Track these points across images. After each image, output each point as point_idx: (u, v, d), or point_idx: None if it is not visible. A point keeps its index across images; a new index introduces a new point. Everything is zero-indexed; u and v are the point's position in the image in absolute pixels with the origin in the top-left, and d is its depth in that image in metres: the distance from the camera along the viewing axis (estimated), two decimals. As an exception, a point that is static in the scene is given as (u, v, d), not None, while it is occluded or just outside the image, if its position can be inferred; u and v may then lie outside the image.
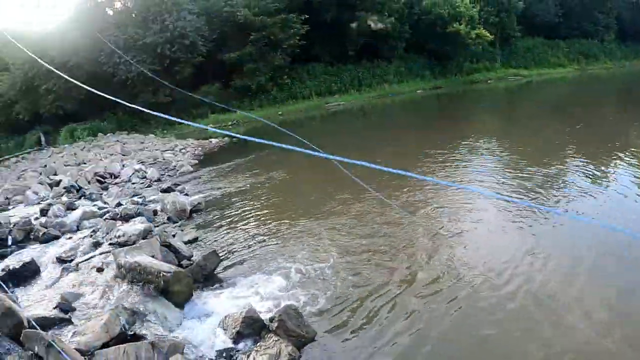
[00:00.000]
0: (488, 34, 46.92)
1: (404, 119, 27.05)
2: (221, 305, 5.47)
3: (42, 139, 41.98)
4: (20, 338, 4.12)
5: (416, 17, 47.71)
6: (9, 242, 8.57)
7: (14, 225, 9.14)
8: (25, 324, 4.41)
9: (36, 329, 4.27)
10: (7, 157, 35.68)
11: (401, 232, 7.34)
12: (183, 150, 21.79)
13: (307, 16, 41.78)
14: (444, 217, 7.80)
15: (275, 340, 4.32)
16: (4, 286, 6.10)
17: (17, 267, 6.63)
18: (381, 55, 47.46)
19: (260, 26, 40.39)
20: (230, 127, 35.09)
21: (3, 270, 6.58)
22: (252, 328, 4.65)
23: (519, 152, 12.94)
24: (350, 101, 39.41)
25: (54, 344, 3.93)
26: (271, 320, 4.63)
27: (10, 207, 13.35)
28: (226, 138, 25.74)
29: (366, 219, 8.12)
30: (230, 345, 4.60)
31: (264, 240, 7.67)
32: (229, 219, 9.31)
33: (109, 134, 36.01)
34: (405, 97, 39.80)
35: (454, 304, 5.14)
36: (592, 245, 6.30)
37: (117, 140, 29.56)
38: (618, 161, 10.80)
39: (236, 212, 9.79)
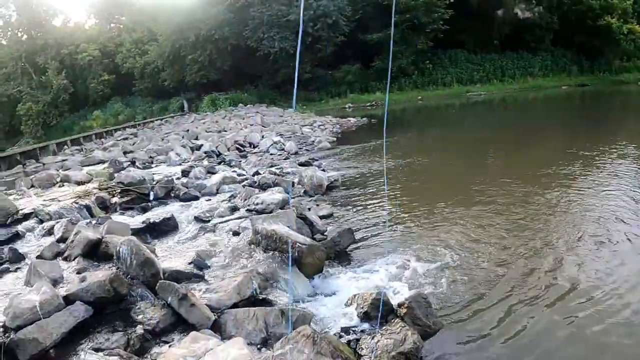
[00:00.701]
0: (642, 30, 42.84)
1: (548, 116, 25.47)
2: (350, 283, 5.43)
3: (185, 105, 44.61)
4: (156, 287, 4.37)
5: (566, 7, 44.72)
6: (151, 197, 9.17)
7: (156, 183, 9.74)
8: (161, 275, 4.67)
9: (171, 280, 4.48)
10: (152, 119, 38.13)
11: (544, 231, 6.83)
12: (322, 127, 22.14)
13: (452, 0, 40.48)
14: (591, 223, 7.06)
15: (402, 327, 4.20)
16: (145, 237, 6.53)
17: (157, 221, 7.05)
18: (526, 46, 45.21)
19: (404, 8, 39.80)
20: (368, 108, 35.01)
21: (144, 222, 7.03)
22: (379, 310, 4.58)
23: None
24: (492, 92, 37.77)
25: (187, 296, 4.12)
26: (400, 305, 4.51)
27: (153, 165, 14.30)
28: (364, 118, 25.72)
29: (508, 213, 7.67)
30: (356, 323, 4.55)
31: (399, 223, 7.53)
32: (365, 199, 9.27)
33: (249, 105, 37.27)
34: (548, 92, 37.57)
35: (595, 320, 4.56)
36: None
37: (257, 112, 30.58)
38: None
39: (372, 192, 9.74)
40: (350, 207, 8.76)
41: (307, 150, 16.23)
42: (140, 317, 4.17)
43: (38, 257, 5.71)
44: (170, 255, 5.98)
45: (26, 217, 7.77)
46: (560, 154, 12.55)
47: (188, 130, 23.73)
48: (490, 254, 6.15)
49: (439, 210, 8.09)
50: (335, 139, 19.03)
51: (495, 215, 7.62)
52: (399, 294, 5.11)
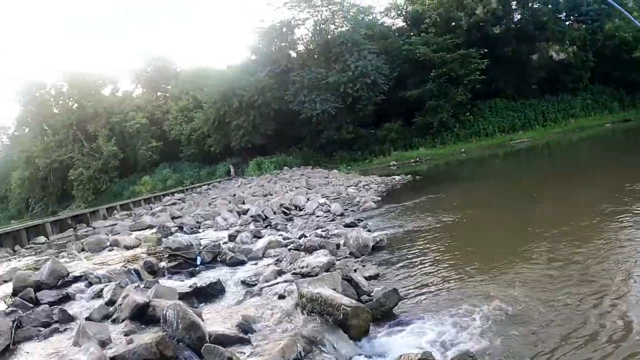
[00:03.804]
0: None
1: (595, 155, 24.93)
2: (397, 345, 5.32)
3: (232, 170, 45.57)
4: (201, 350, 4.44)
5: (599, 43, 44.65)
6: (198, 262, 9.31)
7: (203, 247, 9.92)
8: (207, 338, 4.72)
9: (216, 344, 4.55)
10: (199, 184, 39.02)
11: (611, 282, 6.34)
12: (366, 186, 22.24)
13: (486, 50, 40.92)
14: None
15: (449, 388, 4.15)
16: (192, 301, 6.61)
17: (204, 285, 7.15)
18: (565, 87, 45.08)
19: (440, 62, 40.49)
20: (412, 164, 35.00)
21: (191, 287, 7.13)
22: (427, 372, 4.51)
23: None
24: (535, 138, 37.23)
25: (232, 360, 4.17)
26: (447, 366, 4.46)
27: (200, 230, 14.58)
28: (409, 175, 25.71)
29: (569, 265, 7.23)
30: (403, 386, 4.49)
31: (444, 283, 7.37)
32: (411, 258, 9.15)
33: (294, 168, 37.81)
34: (592, 131, 36.76)
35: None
36: None
37: (302, 174, 30.92)
38: None
39: (418, 251, 9.61)
40: (395, 266, 8.68)
41: (352, 211, 16.22)
42: (186, 380, 4.22)
43: (87, 318, 5.89)
44: (217, 319, 6.02)
45: (76, 279, 8.07)
46: (616, 193, 12.10)
47: (235, 194, 24.17)
48: (545, 311, 5.83)
49: (490, 266, 7.85)
50: (380, 198, 18.98)
51: (555, 269, 7.25)
52: (446, 354, 5.02)
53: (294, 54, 47.51)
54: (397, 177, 25.45)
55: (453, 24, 47.09)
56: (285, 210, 16.76)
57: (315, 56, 46.03)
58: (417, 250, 9.65)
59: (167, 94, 65.64)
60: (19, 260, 13.10)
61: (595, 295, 6.00)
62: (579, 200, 12.72)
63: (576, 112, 43.13)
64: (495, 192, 17.24)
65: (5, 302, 7.07)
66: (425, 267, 8.39)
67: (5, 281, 8.89)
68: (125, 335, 5.10)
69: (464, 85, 41.49)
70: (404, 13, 51.62)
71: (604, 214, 10.14)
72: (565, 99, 44.62)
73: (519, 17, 47.17)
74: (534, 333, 5.29)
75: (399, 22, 52.98)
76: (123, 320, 5.61)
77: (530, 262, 7.74)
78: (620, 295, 5.90)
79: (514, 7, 46.92)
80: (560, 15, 46.48)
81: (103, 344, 4.83)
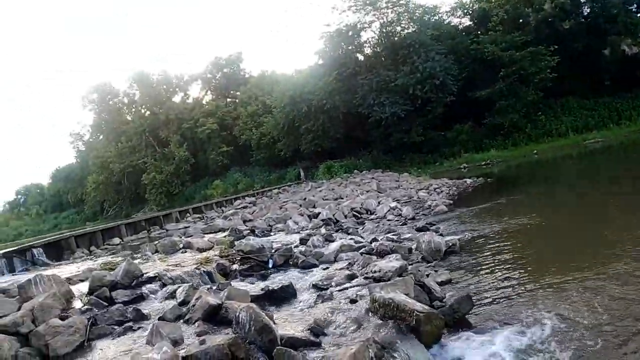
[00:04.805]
0: None
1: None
2: (469, 352, 5.25)
3: (302, 173, 46.01)
4: (272, 353, 4.51)
5: (674, 31, 41.89)
6: (270, 265, 9.47)
7: (275, 251, 10.06)
8: (278, 341, 4.78)
9: (287, 347, 4.61)
10: (270, 188, 39.54)
11: None
12: (437, 190, 21.99)
13: (556, 47, 39.52)
14: None
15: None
16: (263, 304, 6.69)
17: (275, 288, 7.21)
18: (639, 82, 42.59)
19: (509, 61, 39.45)
20: (484, 167, 34.30)
21: (263, 290, 7.22)
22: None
23: None
24: (609, 137, 35.66)
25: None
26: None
27: (272, 233, 14.72)
28: (480, 177, 25.21)
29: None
30: (476, 392, 4.40)
31: (520, 288, 7.16)
32: (484, 263, 8.94)
33: (364, 171, 37.76)
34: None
35: None
36: None
37: (373, 178, 30.88)
38: None
39: (491, 256, 9.38)
40: (468, 271, 8.50)
41: (424, 214, 16.03)
42: (257, 382, 4.27)
43: (160, 318, 6.06)
44: (288, 322, 6.06)
45: (150, 280, 8.31)
46: None
47: (305, 198, 24.35)
48: (623, 323, 5.54)
49: (565, 274, 7.56)
50: (451, 201, 18.66)
51: (625, 277, 6.89)
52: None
53: (361, 57, 47.49)
54: (468, 180, 25.01)
55: (521, 20, 45.99)
56: (357, 214, 16.74)
57: (383, 58, 45.82)
58: (490, 256, 9.42)
59: (237, 100, 67.23)
60: (95, 261, 13.58)
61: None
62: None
63: (654, 108, 40.82)
64: (570, 195, 16.66)
65: (81, 300, 7.35)
66: (498, 273, 8.17)
67: (82, 280, 9.28)
68: (198, 335, 5.23)
69: (534, 84, 40.29)
70: (470, 12, 50.65)
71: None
72: (640, 94, 42.41)
73: (588, 10, 45.30)
74: (606, 346, 5.09)
75: (466, 21, 52.20)
76: (196, 321, 5.73)
77: (608, 272, 7.37)
78: None
79: (583, 0, 45.17)
80: (631, 7, 44.29)
81: (175, 343, 4.97)
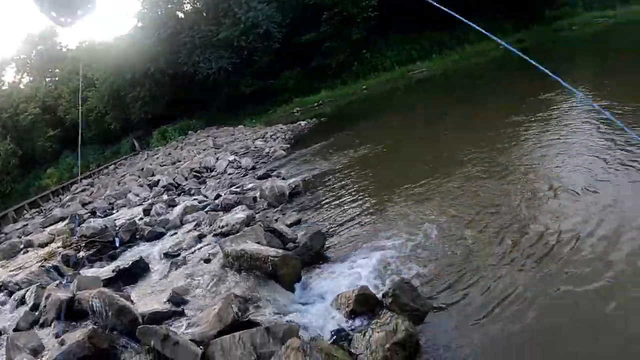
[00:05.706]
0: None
1: (492, 78, 25.54)
2: (331, 285, 5.39)
3: (136, 144, 44.29)
4: (136, 334, 4.24)
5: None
6: (117, 244, 9.01)
7: (119, 228, 9.63)
8: (140, 320, 4.56)
9: (149, 324, 4.38)
10: (106, 165, 37.83)
11: (516, 195, 6.69)
12: (273, 136, 22.11)
13: (377, -14, 40.62)
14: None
15: (391, 316, 4.19)
16: (118, 285, 6.38)
17: (127, 266, 6.90)
18: (462, 15, 45.26)
19: (331, 3, 39.94)
20: (316, 108, 35.04)
21: (114, 271, 6.85)
22: (365, 305, 4.55)
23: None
24: (433, 67, 37.90)
25: (168, 336, 4.02)
26: (385, 295, 4.51)
27: (114, 211, 14.15)
28: (314, 119, 25.77)
29: (477, 184, 7.53)
30: (345, 324, 4.52)
31: (366, 217, 7.51)
32: (329, 198, 9.25)
33: (198, 131, 37.14)
34: (490, 56, 37.53)
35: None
36: None
37: (208, 136, 30.54)
38: None
39: (335, 191, 9.71)
40: (315, 209, 8.75)
41: (263, 162, 16.18)
42: (128, 367, 4.04)
43: (15, 329, 5.52)
44: (146, 297, 5.83)
45: (-4, 291, 7.49)
46: (513, 111, 12.26)
47: (143, 168, 23.60)
48: (465, 228, 6.12)
49: (406, 195, 8.04)
50: (289, 145, 19.02)
51: (464, 189, 7.53)
52: (381, 285, 5.10)
53: (181, 15, 45.87)
54: (302, 123, 25.46)
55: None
56: (197, 174, 16.46)
57: (204, 14, 44.53)
58: (333, 191, 9.75)
59: (57, 78, 61.99)
60: None
61: (501, 212, 6.35)
62: (478, 123, 12.92)
63: (471, 38, 43.59)
64: (397, 124, 17.45)
65: None
66: (344, 205, 8.48)
67: None
68: (56, 337, 4.78)
69: (357, 24, 41.39)
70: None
71: (499, 134, 10.42)
72: (460, 26, 45.00)
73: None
74: (452, 254, 5.55)
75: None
76: (51, 322, 5.29)
77: (439, 186, 8.00)
78: (526, 207, 6.35)
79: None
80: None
81: (35, 352, 4.57)
